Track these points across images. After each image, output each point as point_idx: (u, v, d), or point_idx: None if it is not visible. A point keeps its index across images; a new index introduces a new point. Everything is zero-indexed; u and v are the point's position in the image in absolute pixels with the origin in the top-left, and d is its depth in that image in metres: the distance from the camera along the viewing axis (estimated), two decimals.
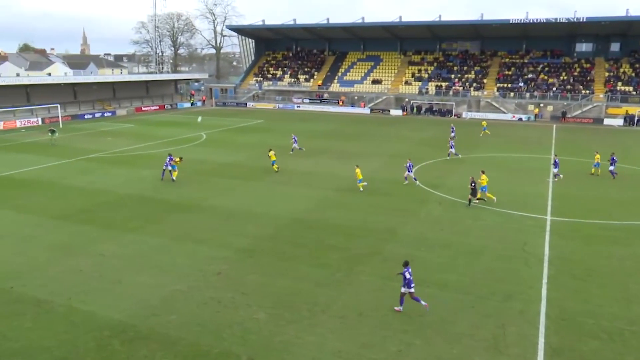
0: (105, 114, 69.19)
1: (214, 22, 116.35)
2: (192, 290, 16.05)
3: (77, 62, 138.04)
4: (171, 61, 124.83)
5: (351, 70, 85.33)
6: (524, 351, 12.87)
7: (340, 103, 78.04)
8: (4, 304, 15.12)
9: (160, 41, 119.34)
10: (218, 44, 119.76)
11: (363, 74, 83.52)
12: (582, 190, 28.83)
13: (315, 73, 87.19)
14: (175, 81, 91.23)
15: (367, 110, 75.77)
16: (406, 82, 78.75)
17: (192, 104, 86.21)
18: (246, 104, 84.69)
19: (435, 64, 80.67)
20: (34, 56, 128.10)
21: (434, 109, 72.65)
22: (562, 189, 28.91)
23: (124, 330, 13.67)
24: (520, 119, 67.40)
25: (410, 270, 14.91)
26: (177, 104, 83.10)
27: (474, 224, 22.70)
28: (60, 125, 57.37)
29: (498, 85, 73.27)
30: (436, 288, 16.27)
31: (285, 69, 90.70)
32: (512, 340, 13.36)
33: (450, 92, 73.97)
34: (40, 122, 59.38)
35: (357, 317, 14.45)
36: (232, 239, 20.62)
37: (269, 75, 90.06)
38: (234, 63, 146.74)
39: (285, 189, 28.99)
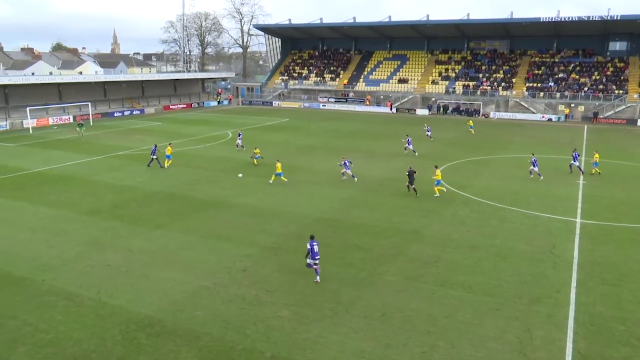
0: (134, 112, 70.51)
1: (241, 22, 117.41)
2: (217, 286, 16.25)
3: (107, 61, 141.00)
4: (199, 60, 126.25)
5: (377, 69, 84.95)
6: (551, 356, 12.63)
7: (367, 102, 77.72)
8: (37, 296, 15.58)
9: (188, 40, 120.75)
10: (245, 43, 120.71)
11: (389, 73, 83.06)
12: (614, 193, 28.10)
13: (341, 72, 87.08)
14: (203, 80, 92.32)
15: (393, 110, 75.30)
16: (433, 82, 77.99)
17: (218, 102, 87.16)
18: (272, 102, 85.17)
19: (462, 63, 79.69)
20: (66, 55, 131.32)
21: (461, 108, 71.78)
22: (594, 191, 28.24)
23: (150, 325, 13.93)
24: (550, 120, 66.05)
25: (315, 243, 16.44)
26: (204, 103, 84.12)
27: (501, 226, 22.37)
28: (91, 123, 58.72)
29: (527, 84, 71.94)
30: (462, 290, 16.09)
31: (311, 68, 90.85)
32: (539, 344, 13.13)
33: (478, 92, 72.98)
34: (71, 120, 60.88)
35: (380, 318, 14.41)
36: (257, 237, 20.78)
37: (295, 74, 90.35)
38: (260, 62, 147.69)
39: (310, 188, 29.06)
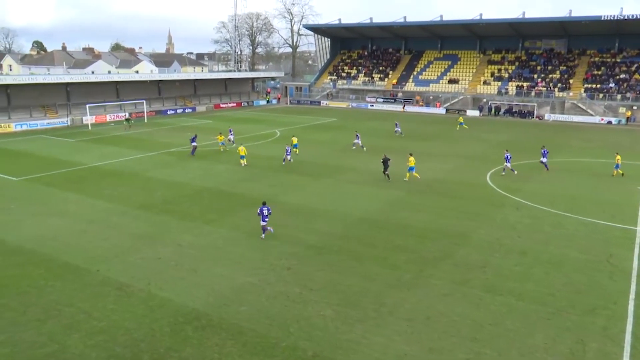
0: (186, 110, 72.50)
1: (291, 22, 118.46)
2: (262, 283, 16.46)
3: (162, 60, 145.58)
4: (249, 60, 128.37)
5: (427, 69, 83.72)
6: None
7: (421, 103, 76.59)
8: (91, 285, 16.28)
9: (239, 40, 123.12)
10: (294, 43, 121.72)
11: (439, 73, 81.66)
12: None
13: (390, 72, 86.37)
14: (252, 79, 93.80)
15: (442, 111, 74.02)
16: (485, 82, 76.08)
17: (267, 101, 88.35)
18: (320, 102, 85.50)
19: (516, 63, 77.29)
20: (124, 54, 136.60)
21: (513, 110, 69.63)
22: None
23: (197, 318, 14.27)
24: (609, 122, 63.04)
25: (267, 208, 20.02)
26: (253, 102, 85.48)
27: (555, 232, 21.53)
28: (145, 120, 60.80)
29: (586, 85, 68.94)
30: (511, 297, 15.60)
31: (360, 67, 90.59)
32: (592, 357, 12.54)
33: (532, 93, 70.59)
34: (128, 116, 63.22)
35: (424, 321, 14.17)
36: (302, 235, 20.91)
37: (344, 74, 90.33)
38: (310, 62, 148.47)
39: (356, 188, 28.97)
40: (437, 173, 32.72)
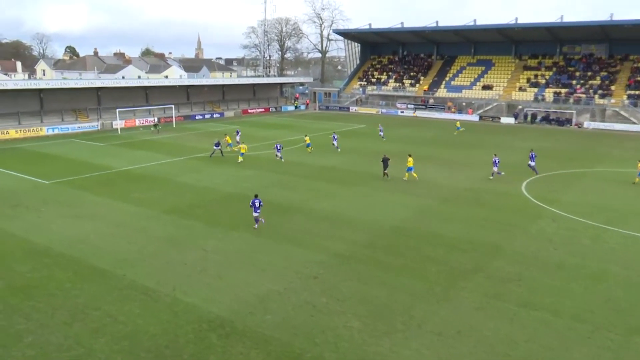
0: (215, 115, 73.46)
1: (320, 26, 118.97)
2: (287, 291, 16.43)
3: (191, 65, 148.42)
4: (278, 65, 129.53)
5: (460, 75, 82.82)
6: None
7: (453, 110, 75.73)
8: (118, 289, 16.55)
9: (268, 45, 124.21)
10: (324, 48, 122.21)
11: (472, 79, 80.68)
12: None
13: (422, 78, 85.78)
14: (281, 85, 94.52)
15: (475, 117, 73.05)
16: (520, 88, 74.78)
17: (296, 107, 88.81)
18: (349, 108, 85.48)
19: (554, 69, 75.75)
20: (154, 60, 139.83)
21: (550, 117, 68.15)
22: None
23: (221, 325, 14.33)
24: None
25: (258, 200, 22.18)
26: (281, 107, 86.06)
27: (594, 245, 20.89)
28: (174, 125, 61.86)
29: (628, 92, 66.98)
30: (547, 313, 15.15)
31: (390, 73, 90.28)
32: None
33: (571, 100, 68.98)
34: (156, 122, 64.44)
35: (455, 335, 13.89)
36: (329, 244, 20.84)
37: (373, 80, 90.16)
38: (339, 67, 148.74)
39: (385, 196, 28.79)
40: (470, 182, 32.25)
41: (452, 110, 76.08)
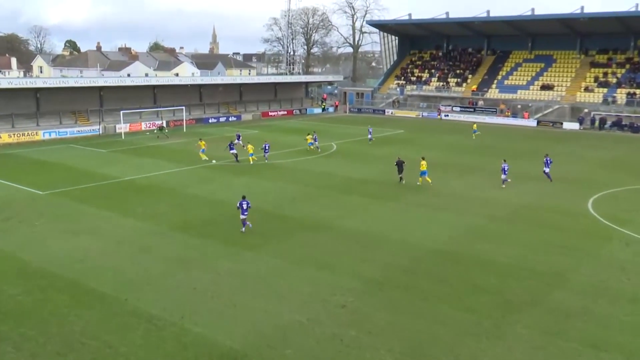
0: (230, 119, 74.40)
1: (352, 17, 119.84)
2: (311, 322, 16.39)
3: (204, 61, 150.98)
4: (303, 61, 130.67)
5: (514, 73, 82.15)
6: None
7: (507, 113, 74.97)
8: (118, 315, 16.77)
9: (292, 39, 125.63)
10: (356, 42, 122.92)
11: (530, 78, 79.88)
12: None
13: (469, 76, 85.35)
14: (306, 84, 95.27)
15: (532, 122, 72.11)
16: (586, 89, 73.65)
17: (323, 109, 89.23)
18: (384, 111, 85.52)
19: (627, 66, 74.39)
20: (163, 55, 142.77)
21: (622, 122, 66.77)
22: None
23: (234, 359, 14.38)
24: None
25: (246, 202, 24.25)
26: (306, 110, 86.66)
27: None
28: (184, 129, 62.83)
29: None
30: (620, 354, 14.73)
31: (432, 70, 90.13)
32: None
33: None
34: (165, 125, 65.54)
35: None
36: (360, 267, 20.76)
37: (413, 78, 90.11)
38: (373, 64, 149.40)
39: (426, 213, 28.59)
40: (528, 197, 31.82)
41: (506, 113, 75.26)
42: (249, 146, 42.06)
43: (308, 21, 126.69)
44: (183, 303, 17.63)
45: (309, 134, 49.33)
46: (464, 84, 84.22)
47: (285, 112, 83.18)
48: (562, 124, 70.04)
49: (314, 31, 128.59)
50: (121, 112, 59.93)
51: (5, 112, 56.56)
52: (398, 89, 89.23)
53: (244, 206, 24.27)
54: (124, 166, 40.80)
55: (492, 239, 24.38)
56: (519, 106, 75.75)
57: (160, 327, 16.03)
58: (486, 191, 33.36)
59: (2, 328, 15.95)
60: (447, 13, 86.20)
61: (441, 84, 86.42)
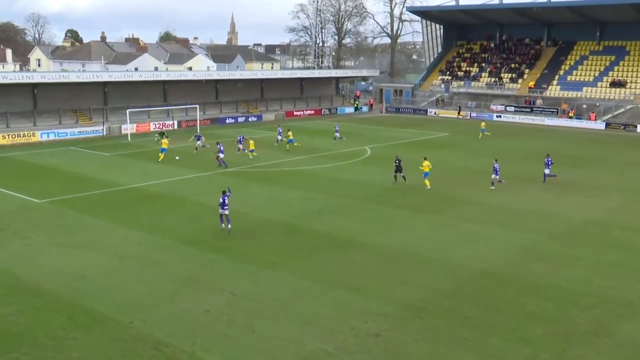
0: (250, 119, 75.04)
1: (391, 3, 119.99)
2: (339, 352, 16.40)
3: (221, 54, 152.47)
4: (333, 54, 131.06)
5: (579, 67, 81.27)
6: None
7: (570, 114, 74.09)
8: (122, 340, 17.01)
9: (321, 28, 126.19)
10: (394, 32, 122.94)
11: (597, 73, 78.94)
12: None
13: (526, 71, 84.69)
14: (337, 79, 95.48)
15: (600, 125, 71.13)
16: None
17: (356, 108, 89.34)
18: (426, 110, 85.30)
19: None
20: (175, 47, 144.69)
21: None
22: None
23: None
24: None
25: (228, 195, 26.97)
26: (336, 109, 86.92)
27: None
28: (198, 131, 63.50)
29: None
30: None
31: (483, 64, 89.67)
32: None
33: None
34: (176, 126, 66.42)
35: None
36: (396, 290, 20.71)
37: (460, 73, 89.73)
38: (414, 57, 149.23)
39: (473, 228, 28.41)
40: (593, 212, 31.39)
41: (570, 114, 74.33)
42: (250, 142, 46.86)
43: (339, 8, 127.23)
44: (195, 328, 17.80)
45: (289, 130, 53.13)
46: (520, 80, 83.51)
47: (313, 112, 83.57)
48: (636, 126, 68.95)
49: (347, 19, 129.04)
50: (127, 110, 60.87)
51: None
52: (442, 86, 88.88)
53: (226, 200, 26.77)
54: (129, 172, 41.47)
55: (549, 260, 24.11)
56: (585, 106, 74.81)
57: (168, 355, 16.21)
58: (543, 204, 32.97)
59: None
60: None
61: (493, 79, 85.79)
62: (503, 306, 19.56)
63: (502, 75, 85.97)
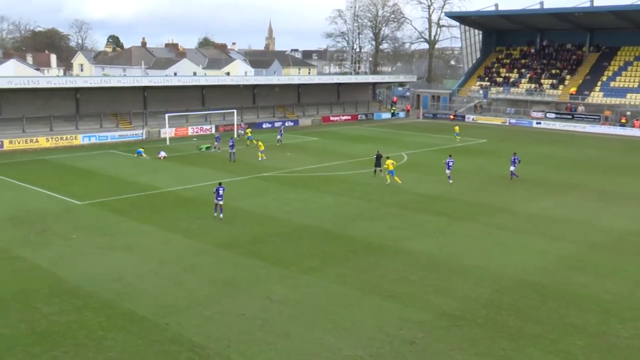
0: (287, 124, 75.29)
1: (429, 9, 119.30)
2: (374, 359, 16.33)
3: (259, 59, 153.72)
4: (370, 59, 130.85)
5: (624, 73, 79.84)
6: None
7: (623, 119, 72.53)
8: (159, 342, 17.22)
9: (359, 34, 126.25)
10: (432, 37, 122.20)
11: None
12: None
13: (568, 77, 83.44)
14: (374, 85, 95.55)
15: None
16: None
17: (392, 114, 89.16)
18: (464, 117, 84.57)
19: None
20: (213, 52, 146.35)
21: None
22: None
23: None
24: None
25: (222, 188, 29.90)
26: (373, 114, 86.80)
27: None
28: (235, 135, 64.05)
29: None
30: None
31: (523, 70, 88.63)
32: None
33: None
34: (213, 130, 67.06)
35: None
36: (433, 299, 20.56)
37: (499, 79, 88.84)
38: (452, 62, 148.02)
39: (511, 237, 28.08)
40: (635, 221, 30.69)
41: (622, 120, 72.60)
42: (260, 143, 48.56)
43: (377, 13, 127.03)
44: (230, 331, 17.92)
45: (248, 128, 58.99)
46: (561, 86, 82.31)
47: (349, 117, 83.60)
48: None
49: (384, 25, 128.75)
50: (166, 115, 61.63)
51: (43, 113, 59.32)
52: (481, 92, 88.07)
53: (220, 192, 29.77)
54: (168, 175, 42.03)
55: (591, 271, 23.68)
56: (629, 113, 73.33)
57: (203, 357, 16.35)
58: (585, 213, 32.40)
59: (34, 350, 16.67)
60: (541, 2, 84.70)
61: (533, 85, 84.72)
62: (542, 317, 19.26)
63: (542, 81, 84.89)
